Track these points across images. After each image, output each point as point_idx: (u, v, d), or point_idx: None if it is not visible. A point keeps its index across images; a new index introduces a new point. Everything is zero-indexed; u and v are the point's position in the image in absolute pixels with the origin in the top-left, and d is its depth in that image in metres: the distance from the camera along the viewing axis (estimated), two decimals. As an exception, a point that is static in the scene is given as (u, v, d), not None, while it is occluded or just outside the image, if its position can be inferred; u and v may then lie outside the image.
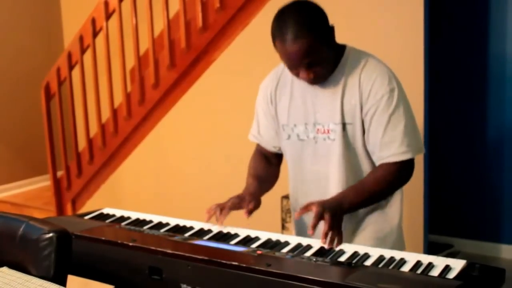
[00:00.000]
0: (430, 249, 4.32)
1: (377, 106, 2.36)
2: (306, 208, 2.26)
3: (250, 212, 2.48)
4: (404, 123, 2.37)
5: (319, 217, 2.18)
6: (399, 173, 2.40)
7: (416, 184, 3.93)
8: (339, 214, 2.24)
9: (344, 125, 2.42)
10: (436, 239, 5.08)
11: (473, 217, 5.13)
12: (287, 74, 2.54)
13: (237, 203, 2.50)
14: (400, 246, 2.57)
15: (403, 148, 2.35)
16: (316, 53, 2.28)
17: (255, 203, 2.51)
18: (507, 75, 4.82)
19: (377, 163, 2.43)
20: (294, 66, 2.34)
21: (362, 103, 2.38)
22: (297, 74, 2.38)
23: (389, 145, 2.36)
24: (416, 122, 2.45)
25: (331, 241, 2.16)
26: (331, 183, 2.50)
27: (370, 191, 2.38)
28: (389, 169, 2.38)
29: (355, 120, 2.41)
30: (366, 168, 2.48)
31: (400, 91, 2.39)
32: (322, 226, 2.20)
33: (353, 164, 2.47)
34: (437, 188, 4.95)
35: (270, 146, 2.72)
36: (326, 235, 2.16)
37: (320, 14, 2.32)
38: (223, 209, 2.47)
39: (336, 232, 2.19)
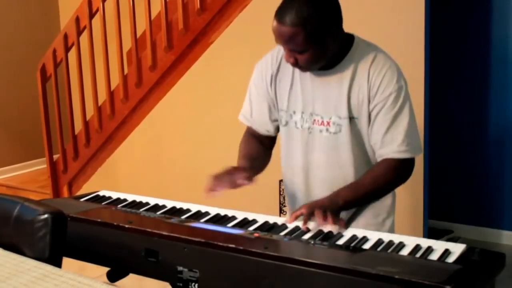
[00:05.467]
0: (430, 234, 4.32)
1: (383, 104, 2.36)
2: (298, 212, 2.26)
3: (249, 179, 2.41)
4: (407, 122, 2.37)
5: (309, 216, 2.20)
6: (397, 171, 2.41)
7: (416, 169, 3.91)
8: (331, 208, 2.24)
9: (351, 119, 2.41)
10: (436, 225, 5.08)
11: (474, 203, 5.14)
12: None
13: (233, 173, 2.42)
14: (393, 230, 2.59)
15: (403, 147, 2.37)
16: (299, 44, 2.26)
17: (251, 173, 2.45)
18: (510, 61, 4.81)
19: (377, 160, 2.44)
20: (280, 45, 2.37)
21: (370, 97, 2.38)
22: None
23: (390, 143, 2.37)
24: (416, 122, 2.45)
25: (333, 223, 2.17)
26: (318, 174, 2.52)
27: (366, 189, 2.39)
28: (387, 167, 2.40)
29: (361, 114, 2.41)
30: (373, 159, 2.49)
31: (406, 90, 2.39)
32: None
33: (357, 155, 2.47)
34: (438, 173, 4.95)
35: (262, 129, 2.69)
36: (323, 221, 2.17)
37: (328, 6, 2.31)
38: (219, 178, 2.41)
39: (332, 219, 2.19)
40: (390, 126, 2.36)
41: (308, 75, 2.47)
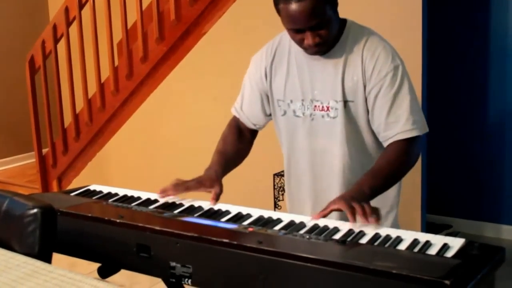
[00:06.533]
0: (428, 229, 4.33)
1: (381, 85, 2.36)
2: (328, 209, 2.20)
3: (216, 199, 2.49)
4: (409, 101, 2.37)
5: (352, 212, 2.13)
6: (409, 151, 2.39)
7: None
8: (362, 199, 2.21)
9: (345, 103, 2.42)
10: (434, 219, 5.09)
11: (473, 197, 5.15)
12: (284, 49, 2.55)
13: (196, 187, 2.52)
14: (396, 224, 2.58)
15: (408, 126, 2.36)
16: (322, 14, 2.26)
17: (219, 188, 2.53)
18: (509, 49, 4.81)
19: (384, 143, 2.43)
20: (299, 29, 2.31)
21: (365, 80, 2.38)
22: (301, 41, 2.35)
23: (394, 124, 2.37)
24: (418, 100, 2.45)
25: (372, 218, 2.13)
26: (332, 159, 2.51)
27: (386, 173, 2.36)
28: (399, 148, 2.37)
29: (357, 97, 2.41)
30: (370, 144, 2.49)
31: (403, 69, 2.39)
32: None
33: (356, 140, 2.48)
34: (436, 166, 4.96)
35: (249, 122, 2.75)
36: (367, 219, 2.12)
37: None
38: (179, 185, 2.52)
39: (370, 210, 2.15)
40: (392, 106, 2.36)
41: (304, 61, 2.48)
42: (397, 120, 2.36)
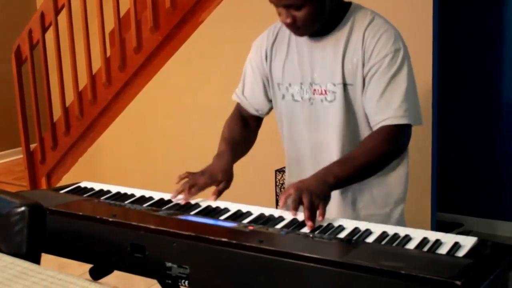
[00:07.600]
0: (438, 228, 4.32)
1: (379, 66, 2.36)
2: (286, 193, 2.25)
3: (219, 194, 2.50)
4: (405, 87, 2.36)
5: (297, 203, 2.17)
6: (392, 140, 2.38)
7: (423, 157, 3.94)
8: (321, 191, 2.22)
9: (345, 86, 2.42)
10: (444, 218, 5.09)
11: (485, 194, 5.15)
12: (285, 31, 2.55)
13: (209, 183, 2.52)
14: (403, 223, 2.58)
15: (400, 112, 2.34)
16: None
17: (227, 182, 2.55)
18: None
19: (373, 128, 2.42)
20: (275, 3, 2.35)
21: (364, 60, 2.38)
22: (279, 15, 2.38)
23: (385, 108, 2.36)
24: (417, 91, 2.44)
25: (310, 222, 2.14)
26: (328, 149, 2.51)
27: (359, 162, 2.35)
28: (384, 135, 2.36)
29: (356, 80, 2.41)
30: (365, 134, 2.47)
31: (405, 53, 2.38)
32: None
33: (351, 128, 2.47)
34: (447, 162, 4.96)
35: (251, 108, 2.75)
36: (309, 219, 2.13)
37: None
38: (193, 186, 2.49)
39: (320, 209, 2.17)
40: (386, 89, 2.35)
41: (304, 44, 2.49)
42: (388, 105, 2.35)
